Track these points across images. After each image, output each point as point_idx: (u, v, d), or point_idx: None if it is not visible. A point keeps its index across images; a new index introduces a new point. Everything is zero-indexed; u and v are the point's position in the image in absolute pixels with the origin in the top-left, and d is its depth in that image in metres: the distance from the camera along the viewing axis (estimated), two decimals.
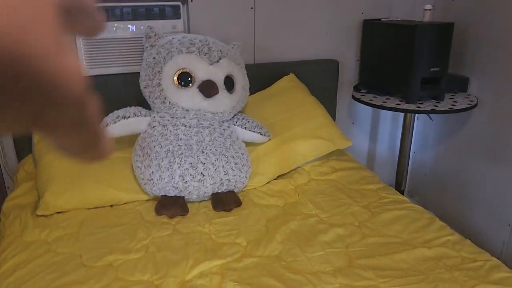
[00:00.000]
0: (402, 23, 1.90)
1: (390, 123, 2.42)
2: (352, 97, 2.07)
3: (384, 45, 1.96)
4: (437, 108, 1.79)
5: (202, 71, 1.47)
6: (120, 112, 1.48)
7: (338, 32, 2.13)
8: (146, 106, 1.56)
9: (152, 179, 1.43)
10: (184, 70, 1.46)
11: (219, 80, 1.49)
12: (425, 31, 1.76)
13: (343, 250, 1.25)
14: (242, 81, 1.59)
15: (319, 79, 2.08)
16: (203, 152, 1.45)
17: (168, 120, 1.49)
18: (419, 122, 2.42)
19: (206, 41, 1.53)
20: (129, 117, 1.48)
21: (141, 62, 1.63)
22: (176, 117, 1.50)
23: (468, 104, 1.85)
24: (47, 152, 1.53)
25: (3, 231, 1.37)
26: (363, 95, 2.03)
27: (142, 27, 1.75)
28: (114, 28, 1.72)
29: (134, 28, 1.74)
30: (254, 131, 1.63)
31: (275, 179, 1.67)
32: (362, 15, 2.13)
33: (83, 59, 1.71)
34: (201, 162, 1.44)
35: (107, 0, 1.71)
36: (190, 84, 1.46)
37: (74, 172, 1.46)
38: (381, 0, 2.13)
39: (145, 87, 1.51)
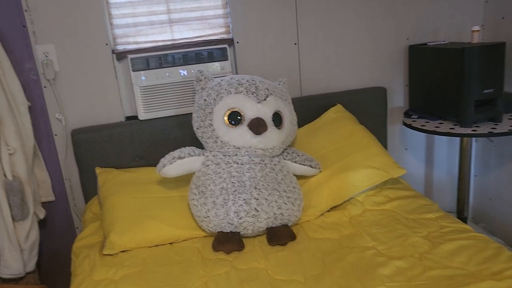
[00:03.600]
0: (450, 46, 1.87)
1: (446, 147, 2.34)
2: (403, 124, 2.03)
3: (433, 69, 1.93)
4: (494, 131, 1.72)
5: (250, 109, 1.52)
6: (176, 153, 1.56)
7: (383, 59, 2.13)
8: (199, 146, 1.63)
9: (208, 216, 1.47)
10: (234, 110, 1.52)
11: (267, 117, 1.54)
12: (473, 53, 1.72)
13: (405, 284, 1.21)
14: (289, 116, 1.63)
15: (367, 107, 2.07)
16: (256, 188, 1.49)
17: (221, 159, 1.55)
18: (478, 144, 2.32)
19: (253, 80, 1.59)
20: (184, 157, 1.55)
21: (193, 103, 1.72)
22: (228, 155, 1.55)
23: None
24: (111, 194, 1.63)
25: (74, 270, 1.46)
26: (415, 121, 1.99)
27: (192, 71, 1.85)
28: (168, 74, 1.84)
29: (185, 72, 1.85)
30: (304, 164, 1.65)
31: (328, 211, 1.67)
32: (407, 40, 2.12)
33: (140, 104, 1.83)
34: (255, 198, 1.47)
35: (160, 49, 1.84)
36: (240, 123, 1.52)
37: (136, 213, 1.54)
38: (426, 24, 2.12)
39: (197, 128, 1.59)
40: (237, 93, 1.54)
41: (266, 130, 1.51)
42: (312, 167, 1.67)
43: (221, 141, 1.54)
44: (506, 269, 1.22)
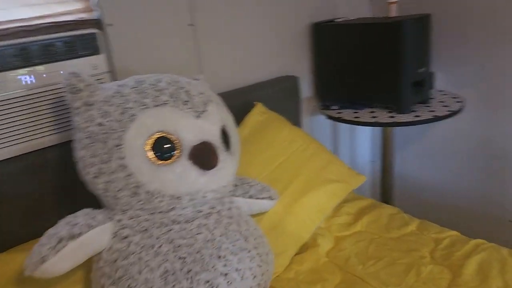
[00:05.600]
0: (370, 21, 1.60)
1: (348, 135, 2.13)
2: (330, 118, 1.69)
3: (350, 50, 1.64)
4: (430, 116, 1.53)
5: (188, 130, 0.92)
6: (61, 229, 0.84)
7: (290, 43, 1.73)
8: (88, 203, 0.94)
9: None
10: (161, 135, 0.89)
11: (216, 139, 0.96)
12: (409, 27, 1.47)
13: None
14: (233, 129, 1.08)
15: (279, 100, 1.65)
16: (219, 257, 0.91)
17: (148, 221, 0.90)
18: (375, 129, 2.19)
19: (177, 82, 0.98)
20: (81, 233, 0.84)
21: (60, 130, 1.00)
22: (161, 212, 0.92)
23: (447, 111, 1.63)
24: None
25: None
26: (341, 113, 1.67)
27: (45, 75, 1.09)
28: None
29: (31, 78, 1.07)
30: (262, 198, 1.13)
31: (297, 254, 1.20)
32: (309, 18, 1.77)
33: None
34: (221, 273, 0.89)
35: None
36: (175, 155, 0.90)
37: None
38: (327, 2, 1.81)
39: (95, 177, 0.89)
40: (158, 105, 0.91)
41: (218, 160, 0.93)
42: (271, 199, 1.16)
43: (146, 192, 0.89)
44: None
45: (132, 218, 0.90)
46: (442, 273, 1.10)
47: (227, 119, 1.04)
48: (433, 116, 1.51)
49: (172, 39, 1.38)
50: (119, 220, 0.90)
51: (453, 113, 1.54)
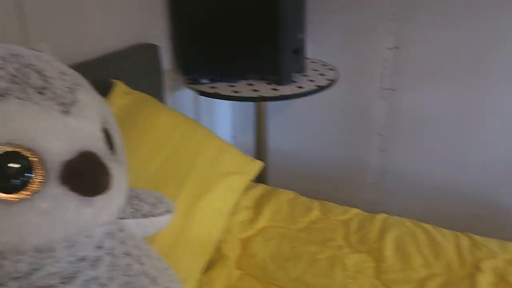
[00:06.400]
0: None
1: (207, 110, 1.91)
2: (202, 94, 1.42)
3: (216, 11, 1.39)
4: (313, 86, 1.43)
5: (53, 136, 0.55)
6: None
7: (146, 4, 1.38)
8: None
9: None
10: (5, 150, 0.51)
11: (100, 145, 0.61)
12: None
13: None
14: (114, 124, 0.73)
15: (135, 75, 1.30)
16: None
17: None
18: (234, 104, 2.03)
19: (18, 56, 0.58)
20: None
21: None
22: (18, 279, 0.54)
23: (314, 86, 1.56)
24: None
25: None
26: (215, 87, 1.43)
27: None
28: None
29: None
30: (159, 214, 0.83)
31: (203, 273, 0.95)
32: None
33: None
34: None
35: None
36: (33, 181, 0.52)
37: None
38: None
39: None
40: None
41: (109, 177, 0.59)
42: (169, 212, 0.86)
43: None
44: None
45: None
46: (365, 261, 1.01)
47: (105, 110, 0.69)
48: (316, 86, 1.41)
49: None
50: None
51: (332, 82, 1.47)
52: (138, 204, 0.79)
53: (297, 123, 1.93)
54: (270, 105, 1.95)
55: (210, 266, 0.97)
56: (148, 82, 1.38)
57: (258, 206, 1.20)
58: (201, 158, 1.06)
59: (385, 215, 1.19)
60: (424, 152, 1.73)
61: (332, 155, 1.91)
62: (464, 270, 1.01)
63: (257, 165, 1.21)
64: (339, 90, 1.74)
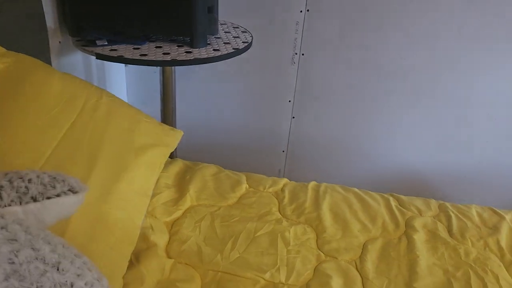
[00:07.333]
0: None
1: (100, 76, 1.66)
2: (100, 58, 1.19)
3: None
4: (230, 49, 1.31)
5: None
6: None
7: None
8: None
9: None
10: None
11: None
12: None
13: None
14: None
15: (11, 34, 1.04)
16: None
17: None
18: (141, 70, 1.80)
19: None
20: None
21: None
22: None
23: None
24: None
25: None
26: (115, 50, 1.21)
27: None
28: None
29: None
30: (57, 195, 0.63)
31: (130, 267, 0.79)
32: None
33: None
34: None
35: None
36: None
37: None
38: None
39: None
40: None
41: None
42: (73, 192, 0.67)
43: None
44: None
45: None
46: (306, 233, 0.95)
47: None
48: (233, 49, 1.28)
49: None
50: None
51: (249, 45, 1.36)
52: (22, 186, 0.60)
53: (203, 90, 1.79)
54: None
55: (136, 257, 0.80)
56: (28, 44, 1.11)
57: (180, 184, 1.05)
58: (113, 129, 0.87)
59: (315, 182, 1.14)
60: (334, 118, 1.74)
61: (243, 124, 1.82)
62: (399, 231, 1.00)
63: (178, 135, 1.05)
64: (248, 54, 1.64)
